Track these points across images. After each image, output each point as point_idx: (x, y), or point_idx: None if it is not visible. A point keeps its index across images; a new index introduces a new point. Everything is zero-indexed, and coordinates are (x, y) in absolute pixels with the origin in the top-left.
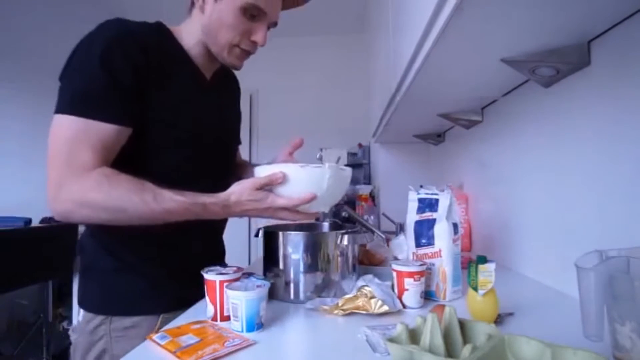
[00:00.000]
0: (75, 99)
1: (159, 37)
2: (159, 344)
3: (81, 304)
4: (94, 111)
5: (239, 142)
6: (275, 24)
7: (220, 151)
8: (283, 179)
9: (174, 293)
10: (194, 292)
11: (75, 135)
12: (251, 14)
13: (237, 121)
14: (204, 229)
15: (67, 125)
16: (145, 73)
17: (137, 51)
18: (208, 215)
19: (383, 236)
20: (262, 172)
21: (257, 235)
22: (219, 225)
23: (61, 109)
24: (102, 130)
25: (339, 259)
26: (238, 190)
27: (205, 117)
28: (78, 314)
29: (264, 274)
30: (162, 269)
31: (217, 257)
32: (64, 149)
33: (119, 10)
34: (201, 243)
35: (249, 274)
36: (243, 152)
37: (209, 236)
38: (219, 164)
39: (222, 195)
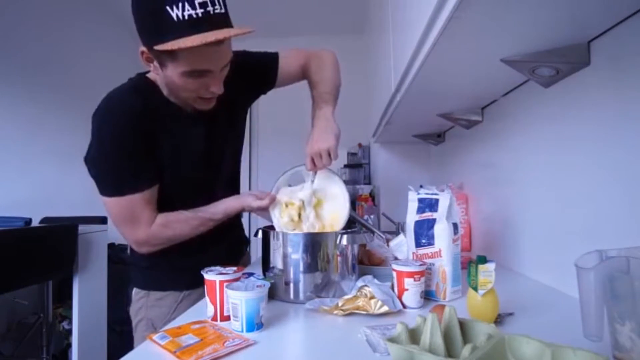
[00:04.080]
0: (111, 184)
1: (143, 95)
2: (159, 344)
3: (133, 284)
4: (129, 189)
5: (240, 153)
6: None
7: (213, 171)
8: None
9: (192, 277)
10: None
11: (126, 208)
12: (196, 74)
13: (228, 140)
14: (214, 239)
15: (116, 203)
16: (143, 131)
17: (133, 119)
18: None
19: (383, 236)
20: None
21: (256, 235)
22: (228, 234)
23: (106, 193)
24: (142, 196)
25: (339, 259)
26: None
27: (192, 149)
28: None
29: (264, 274)
30: (183, 264)
31: (227, 257)
32: (125, 216)
33: (120, 13)
34: (213, 248)
35: (249, 274)
36: (244, 151)
37: (219, 243)
38: (215, 180)
39: (235, 206)
